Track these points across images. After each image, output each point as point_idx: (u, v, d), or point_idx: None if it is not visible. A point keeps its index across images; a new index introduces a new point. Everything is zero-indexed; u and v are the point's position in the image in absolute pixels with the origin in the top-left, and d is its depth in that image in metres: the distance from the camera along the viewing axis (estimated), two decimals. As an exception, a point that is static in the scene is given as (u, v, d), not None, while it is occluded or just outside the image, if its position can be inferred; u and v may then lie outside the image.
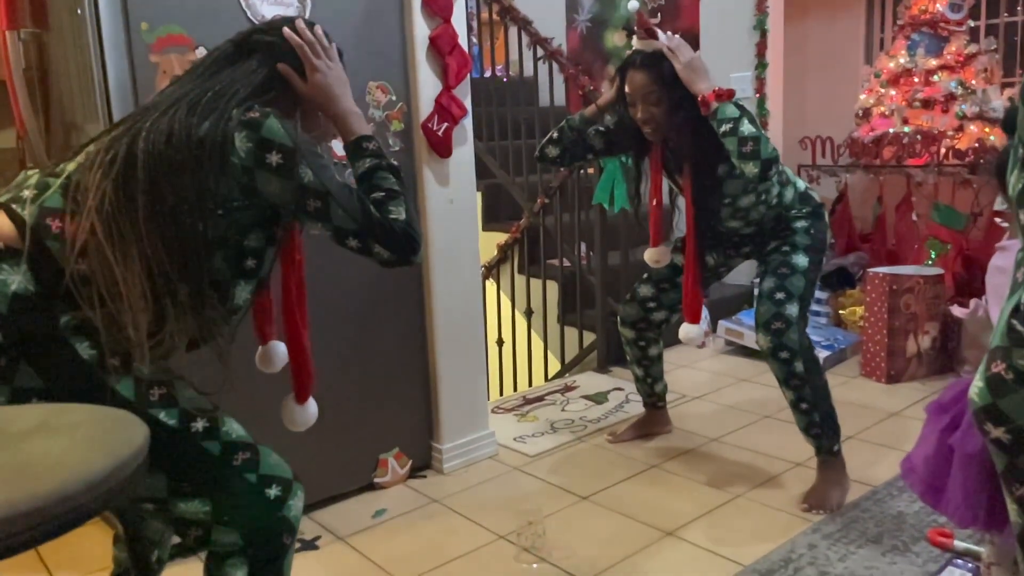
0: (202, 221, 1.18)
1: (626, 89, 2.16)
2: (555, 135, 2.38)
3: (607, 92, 2.34)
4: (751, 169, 1.99)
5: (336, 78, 1.36)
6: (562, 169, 3.66)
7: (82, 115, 1.96)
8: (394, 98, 2.28)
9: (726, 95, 2.01)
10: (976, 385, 0.99)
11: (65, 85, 2.02)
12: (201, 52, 1.88)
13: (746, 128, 1.98)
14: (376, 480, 2.38)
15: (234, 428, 1.26)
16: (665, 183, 2.35)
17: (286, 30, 1.34)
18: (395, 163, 1.36)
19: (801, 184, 2.32)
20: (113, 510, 0.97)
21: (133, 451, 0.89)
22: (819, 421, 2.18)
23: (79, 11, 1.81)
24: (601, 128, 2.36)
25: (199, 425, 1.21)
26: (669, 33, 2.10)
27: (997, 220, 2.85)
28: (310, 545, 2.09)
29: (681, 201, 2.31)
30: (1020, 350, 0.93)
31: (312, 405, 1.58)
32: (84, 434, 0.92)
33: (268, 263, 1.35)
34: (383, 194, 1.29)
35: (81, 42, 1.84)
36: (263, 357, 1.57)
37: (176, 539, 1.65)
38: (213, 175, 1.18)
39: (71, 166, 1.22)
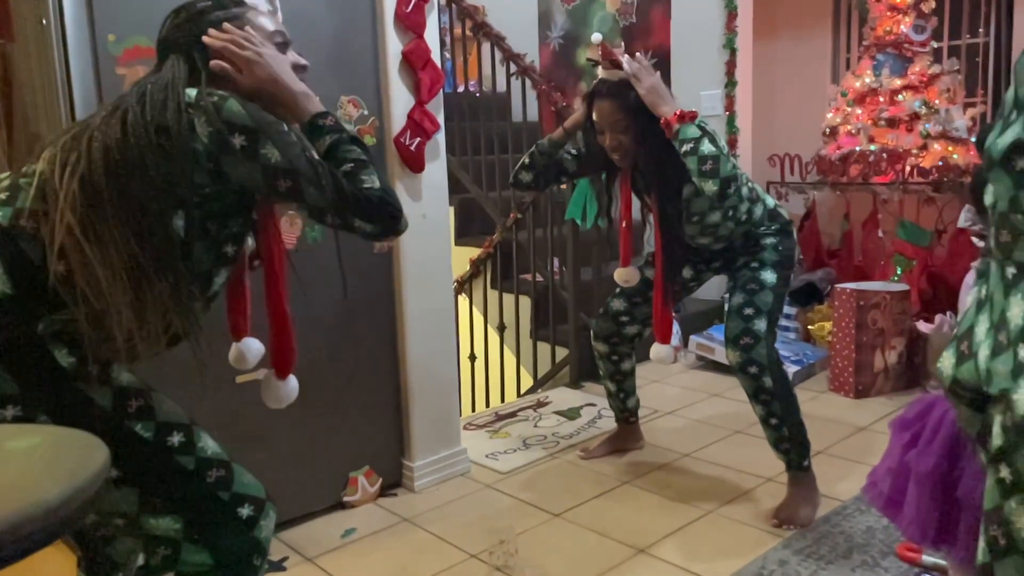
0: (173, 212, 1.16)
1: (594, 117, 2.18)
2: (527, 160, 2.39)
3: (574, 114, 2.36)
4: (710, 187, 2.00)
5: (272, 62, 1.30)
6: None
7: (46, 127, 1.92)
8: (366, 112, 2.27)
9: (688, 116, 2.03)
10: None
11: (29, 97, 1.98)
12: (169, 65, 1.86)
13: (706, 148, 2.00)
14: (345, 499, 2.35)
15: (209, 444, 1.24)
16: (636, 201, 2.37)
17: (205, 39, 1.30)
18: (354, 134, 1.32)
19: (770, 201, 2.35)
20: (72, 534, 0.94)
21: (92, 474, 0.86)
22: (788, 436, 2.20)
23: (44, 22, 1.78)
24: (573, 151, 2.38)
25: (175, 439, 1.19)
26: (627, 57, 2.12)
27: (973, 239, 2.91)
28: (277, 566, 2.05)
29: (652, 217, 2.33)
30: None
31: (293, 380, 1.55)
32: (41, 456, 0.89)
33: (243, 244, 1.33)
34: (351, 165, 1.24)
35: (46, 53, 1.81)
36: (238, 355, 1.53)
37: (140, 562, 1.61)
38: (179, 163, 1.16)
39: (40, 166, 1.19)
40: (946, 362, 1.01)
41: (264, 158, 1.18)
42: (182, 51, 1.30)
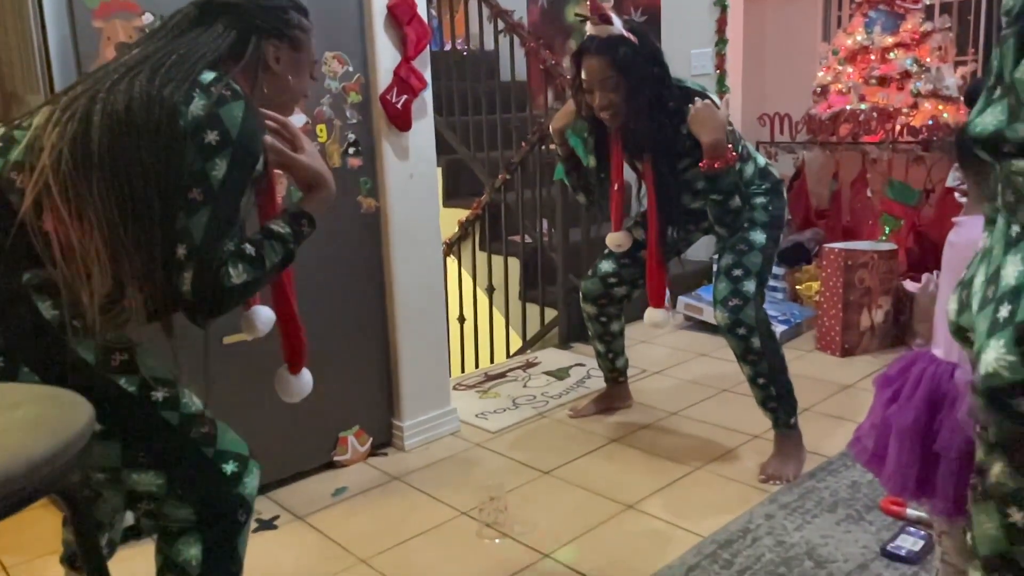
0: (160, 191, 1.13)
1: (582, 76, 2.14)
2: (571, 189, 2.47)
3: (558, 126, 2.33)
4: (721, 231, 2.16)
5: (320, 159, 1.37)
6: (523, 144, 3.64)
7: (22, 85, 1.87)
8: (351, 69, 2.22)
9: (732, 162, 2.03)
10: (1005, 359, 0.92)
11: (4, 54, 1.93)
12: (148, 18, 1.82)
13: (734, 203, 2.09)
14: (336, 458, 2.36)
15: (194, 401, 1.24)
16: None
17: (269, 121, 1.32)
18: (293, 255, 1.28)
19: (761, 160, 2.33)
20: (57, 492, 0.94)
21: (76, 432, 0.86)
22: (776, 395, 2.22)
23: (16, -25, 1.73)
24: (588, 151, 2.36)
25: (159, 395, 1.18)
26: (698, 102, 2.04)
27: (956, 196, 2.90)
28: (268, 525, 2.06)
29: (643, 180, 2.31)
30: None
31: (307, 374, 1.55)
32: (24, 415, 0.88)
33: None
34: (250, 253, 1.18)
35: (20, 9, 1.75)
36: (247, 324, 1.51)
37: (128, 522, 1.61)
38: (171, 141, 1.13)
39: (37, 120, 1.16)
40: (951, 306, 1.01)
41: (211, 165, 1.13)
42: (242, 27, 1.25)
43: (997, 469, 0.98)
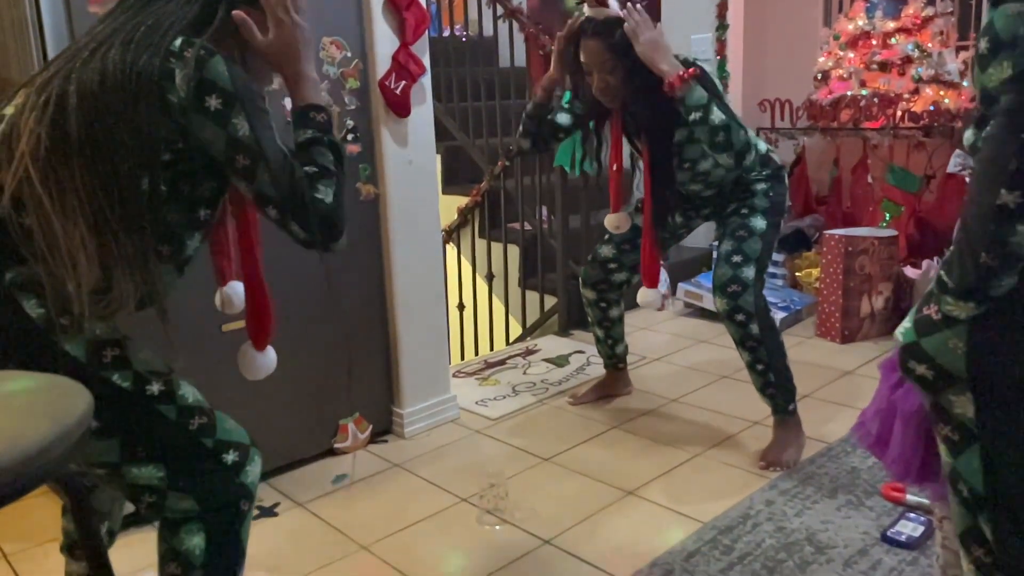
0: (144, 168, 1.11)
1: (581, 58, 2.13)
2: (521, 128, 2.38)
3: (548, 72, 2.30)
4: (726, 160, 2.01)
5: (302, 36, 1.27)
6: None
7: (18, 72, 1.86)
8: (349, 54, 2.21)
9: (689, 76, 1.98)
10: (904, 326, 1.06)
11: (-1, 40, 1.92)
12: (143, 4, 1.80)
13: (716, 116, 1.97)
14: (336, 445, 2.36)
15: (190, 392, 1.22)
16: (626, 146, 2.34)
17: None
18: (338, 141, 1.27)
19: (762, 146, 2.32)
20: (56, 481, 0.93)
21: (75, 420, 0.85)
22: (775, 381, 2.21)
23: (10, -41, 1.71)
24: (564, 107, 2.34)
25: (154, 388, 1.16)
26: (626, 10, 2.04)
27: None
28: (269, 512, 2.07)
29: (642, 162, 2.31)
30: (942, 296, 1.02)
31: (271, 352, 1.52)
32: (22, 403, 0.88)
33: (219, 209, 1.29)
34: (315, 170, 1.20)
35: (14, -7, 1.74)
36: (224, 299, 1.50)
37: (128, 509, 1.61)
38: (151, 114, 1.11)
39: (8, 110, 1.14)
40: None
41: (233, 128, 1.12)
42: None
43: (941, 448, 1.04)
